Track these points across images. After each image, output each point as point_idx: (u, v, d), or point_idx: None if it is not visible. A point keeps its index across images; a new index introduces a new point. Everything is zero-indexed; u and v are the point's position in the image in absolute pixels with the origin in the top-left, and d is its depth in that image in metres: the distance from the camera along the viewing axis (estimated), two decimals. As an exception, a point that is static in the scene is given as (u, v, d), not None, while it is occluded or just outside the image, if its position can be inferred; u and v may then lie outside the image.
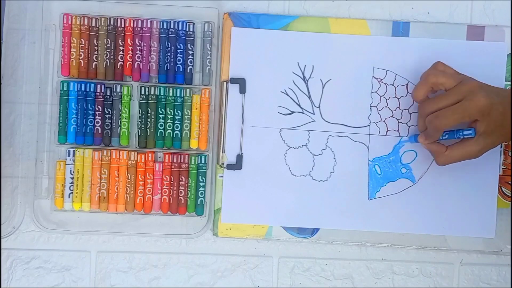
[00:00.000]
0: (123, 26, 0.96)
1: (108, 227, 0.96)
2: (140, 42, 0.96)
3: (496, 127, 0.88)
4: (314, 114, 0.98)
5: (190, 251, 0.98)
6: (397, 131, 0.98)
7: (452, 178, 0.98)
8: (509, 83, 0.98)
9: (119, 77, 0.96)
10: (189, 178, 0.96)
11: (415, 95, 0.92)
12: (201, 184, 0.96)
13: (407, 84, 0.98)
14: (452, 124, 0.88)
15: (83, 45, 0.95)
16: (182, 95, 0.96)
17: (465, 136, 0.90)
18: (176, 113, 0.96)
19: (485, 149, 0.90)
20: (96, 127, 0.96)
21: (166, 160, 0.96)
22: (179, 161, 0.96)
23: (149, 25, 0.96)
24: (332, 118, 0.98)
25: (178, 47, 0.96)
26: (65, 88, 0.95)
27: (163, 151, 0.97)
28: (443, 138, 0.92)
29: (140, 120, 0.96)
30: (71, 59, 0.95)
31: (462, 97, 0.88)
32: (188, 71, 0.96)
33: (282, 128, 0.98)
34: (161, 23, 0.96)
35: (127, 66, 0.96)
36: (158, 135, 0.96)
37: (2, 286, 0.97)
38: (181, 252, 0.98)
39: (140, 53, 0.96)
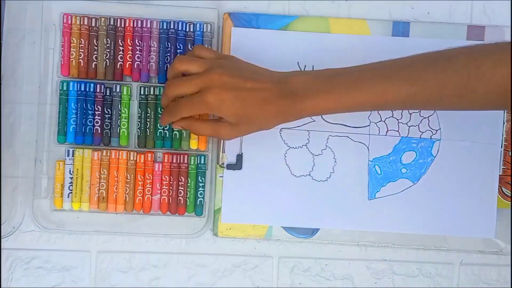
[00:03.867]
0: (123, 26, 0.96)
1: (107, 227, 0.96)
2: (140, 42, 0.96)
3: (237, 118, 0.86)
4: (314, 114, 0.98)
5: (190, 251, 0.98)
6: (397, 131, 0.98)
7: (452, 178, 0.98)
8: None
9: (118, 77, 0.96)
10: (189, 178, 0.96)
11: (168, 74, 0.91)
12: (201, 184, 0.96)
13: (407, 84, 0.98)
14: (186, 115, 0.88)
15: (83, 45, 0.95)
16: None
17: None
18: (176, 113, 0.96)
19: (235, 135, 0.89)
20: (96, 127, 0.96)
21: (166, 160, 0.96)
22: (178, 161, 0.96)
23: (149, 25, 0.96)
24: (332, 118, 0.98)
25: (178, 47, 0.96)
26: (64, 88, 0.95)
27: (163, 151, 0.97)
28: None
29: (139, 120, 0.96)
30: (71, 59, 0.95)
31: (199, 88, 0.86)
32: (188, 71, 0.96)
33: (282, 128, 0.98)
34: (161, 23, 0.96)
35: (127, 66, 0.96)
36: (158, 135, 0.96)
37: (2, 286, 0.97)
38: (181, 252, 0.98)
39: (140, 53, 0.96)
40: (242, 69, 0.88)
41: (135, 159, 0.96)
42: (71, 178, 0.96)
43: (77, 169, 0.96)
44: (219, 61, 0.89)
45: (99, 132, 0.96)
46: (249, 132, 0.89)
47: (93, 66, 0.96)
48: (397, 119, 0.98)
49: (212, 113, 0.87)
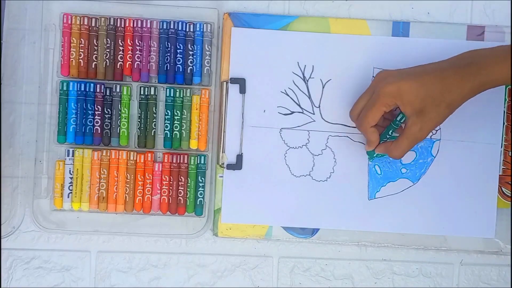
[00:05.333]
0: (123, 26, 0.96)
1: (107, 227, 0.96)
2: (140, 42, 0.96)
3: (420, 101, 0.86)
4: (314, 114, 0.98)
5: (190, 251, 0.98)
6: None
7: (452, 178, 0.98)
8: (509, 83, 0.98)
9: (118, 77, 0.96)
10: (189, 178, 0.96)
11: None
12: (201, 184, 0.96)
13: (407, 84, 0.98)
14: (374, 120, 0.89)
15: (82, 45, 0.95)
16: (182, 96, 0.96)
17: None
18: (176, 114, 0.96)
19: (429, 126, 0.88)
20: (96, 127, 0.96)
21: (166, 160, 0.96)
22: (178, 161, 0.96)
23: (149, 25, 0.96)
24: (332, 118, 0.98)
25: (178, 47, 0.96)
26: (64, 88, 0.95)
27: (163, 151, 0.97)
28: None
29: (139, 120, 0.96)
30: (71, 59, 0.95)
31: (373, 90, 0.89)
32: (188, 71, 0.96)
33: (282, 128, 0.98)
34: (161, 23, 0.96)
35: (127, 66, 0.96)
36: (158, 135, 0.96)
37: (2, 286, 0.97)
38: (181, 252, 0.98)
39: (140, 53, 0.96)
40: (403, 69, 0.90)
41: (135, 159, 0.96)
42: (71, 178, 0.96)
43: (77, 169, 0.96)
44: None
45: (99, 132, 0.96)
46: (439, 118, 0.88)
47: (93, 66, 0.96)
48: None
49: (393, 101, 0.87)
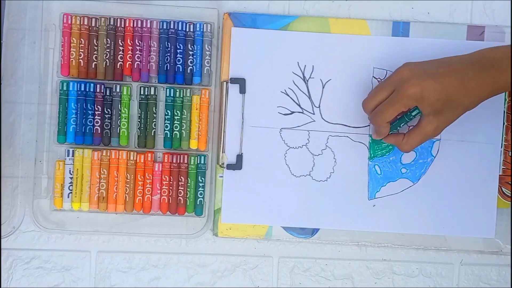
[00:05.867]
0: (123, 26, 0.96)
1: (107, 227, 0.97)
2: (140, 42, 0.96)
3: (443, 102, 0.86)
4: (314, 114, 0.98)
5: (190, 251, 0.98)
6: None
7: (452, 178, 0.98)
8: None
9: (118, 77, 0.96)
10: (189, 178, 0.96)
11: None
12: (201, 184, 0.96)
13: (407, 84, 0.98)
14: (392, 117, 0.89)
15: (82, 45, 0.95)
16: (182, 96, 0.96)
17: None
18: (176, 114, 0.96)
19: (443, 126, 0.89)
20: (96, 127, 0.96)
21: (166, 160, 0.96)
22: (178, 161, 0.96)
23: (149, 25, 0.96)
24: (332, 118, 0.98)
25: (178, 47, 0.96)
26: (64, 88, 0.95)
27: (163, 151, 0.97)
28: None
29: (139, 120, 0.96)
30: (71, 59, 0.95)
31: (393, 87, 0.88)
32: (188, 71, 0.96)
33: (282, 128, 0.98)
34: (161, 23, 0.96)
35: (127, 66, 0.96)
36: (158, 135, 0.96)
37: (2, 286, 0.97)
38: (181, 252, 0.98)
39: (140, 53, 0.96)
40: (426, 62, 0.90)
41: (135, 159, 0.96)
42: (71, 178, 0.96)
43: (77, 169, 0.96)
44: (400, 66, 0.90)
45: (99, 132, 0.96)
46: (454, 118, 0.89)
47: (93, 66, 0.96)
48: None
49: (414, 104, 0.87)
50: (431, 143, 0.98)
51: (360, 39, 0.98)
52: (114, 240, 0.98)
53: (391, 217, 0.98)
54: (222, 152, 0.97)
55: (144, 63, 0.96)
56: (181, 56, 0.96)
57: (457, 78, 0.86)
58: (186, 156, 0.96)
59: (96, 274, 0.98)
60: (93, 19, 0.95)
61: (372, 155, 0.98)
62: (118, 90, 0.96)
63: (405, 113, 0.91)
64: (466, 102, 0.87)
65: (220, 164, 0.97)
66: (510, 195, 0.99)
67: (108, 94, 0.96)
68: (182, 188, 0.96)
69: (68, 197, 0.96)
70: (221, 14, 0.97)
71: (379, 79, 0.98)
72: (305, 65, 0.98)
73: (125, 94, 0.96)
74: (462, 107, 0.88)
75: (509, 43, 0.98)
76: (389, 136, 0.92)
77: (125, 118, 0.96)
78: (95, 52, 0.96)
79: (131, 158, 0.96)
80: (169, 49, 0.96)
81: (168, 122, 0.96)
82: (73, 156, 0.96)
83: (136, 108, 0.96)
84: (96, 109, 0.96)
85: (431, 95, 0.85)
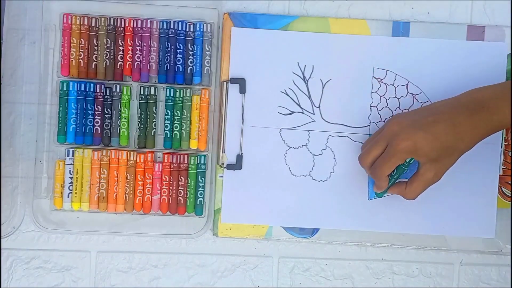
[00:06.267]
0: (123, 26, 0.96)
1: (107, 227, 0.96)
2: (140, 42, 0.96)
3: (439, 149, 0.87)
4: (314, 114, 0.98)
5: (190, 251, 0.98)
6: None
7: (452, 178, 0.98)
8: (509, 83, 0.98)
9: (118, 77, 0.96)
10: (189, 178, 0.96)
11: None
12: (201, 184, 0.96)
13: (407, 84, 0.98)
14: (389, 170, 0.89)
15: (82, 45, 0.95)
16: (182, 96, 0.96)
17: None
18: (176, 114, 0.96)
19: (443, 171, 0.89)
20: (96, 127, 0.96)
21: (166, 160, 0.96)
22: (178, 161, 0.96)
23: (149, 25, 0.96)
24: (332, 118, 0.98)
25: (178, 47, 0.96)
26: (64, 88, 0.95)
27: (163, 151, 0.97)
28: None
29: (139, 120, 0.96)
30: (71, 59, 0.95)
31: (386, 142, 0.88)
32: (188, 71, 0.96)
33: (282, 128, 0.98)
34: (161, 23, 0.96)
35: (127, 66, 0.96)
36: (158, 135, 0.96)
37: (2, 286, 0.97)
38: (181, 252, 0.98)
39: (140, 53, 0.96)
40: (414, 112, 0.90)
41: (135, 159, 0.96)
42: (71, 178, 0.96)
43: (77, 169, 0.96)
44: (391, 119, 0.91)
45: (99, 132, 0.96)
46: (452, 163, 0.89)
47: (93, 66, 0.96)
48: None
49: (410, 157, 0.87)
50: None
51: (360, 39, 0.98)
52: (114, 240, 0.98)
53: (391, 217, 0.98)
54: (222, 152, 0.97)
55: (144, 63, 0.96)
56: (181, 56, 0.96)
57: (448, 124, 0.86)
58: (186, 156, 0.96)
59: (96, 274, 0.98)
60: (93, 19, 0.95)
61: (372, 155, 0.98)
62: (118, 90, 0.96)
63: (402, 163, 0.91)
64: (461, 146, 0.87)
65: (220, 164, 0.97)
66: (510, 195, 0.99)
67: (108, 94, 0.96)
68: (182, 188, 0.96)
69: (68, 197, 0.96)
70: (221, 14, 0.97)
71: (379, 79, 0.98)
72: (305, 65, 0.98)
73: (125, 94, 0.96)
74: (458, 152, 0.88)
75: (508, 43, 0.98)
76: (392, 188, 0.93)
77: (125, 118, 0.96)
78: (95, 52, 0.96)
79: (131, 158, 0.96)
80: (169, 49, 0.96)
81: (168, 122, 0.96)
82: (73, 156, 0.96)
83: (136, 108, 0.96)
84: (96, 109, 0.96)
85: (424, 146, 0.86)
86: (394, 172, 0.91)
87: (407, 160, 0.90)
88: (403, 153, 0.86)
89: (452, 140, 0.86)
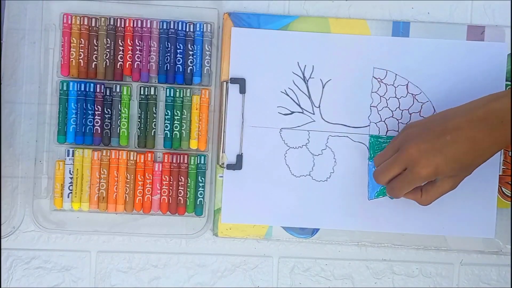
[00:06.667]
0: (123, 26, 0.96)
1: (107, 227, 0.96)
2: (140, 42, 0.96)
3: (456, 171, 0.87)
4: (314, 114, 0.98)
5: (190, 251, 0.98)
6: (397, 131, 0.98)
7: (452, 178, 0.98)
8: (509, 83, 0.98)
9: (118, 77, 0.96)
10: (189, 178, 0.96)
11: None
12: (201, 184, 0.96)
13: (407, 84, 0.98)
14: (407, 191, 0.89)
15: (82, 45, 0.95)
16: (182, 96, 0.96)
17: None
18: (176, 114, 0.96)
19: (458, 182, 0.89)
20: (96, 127, 0.96)
21: (166, 160, 0.96)
22: (178, 161, 0.96)
23: (149, 25, 0.96)
24: (332, 118, 0.98)
25: (178, 47, 0.96)
26: (64, 88, 0.95)
27: (163, 151, 0.97)
28: None
29: (139, 120, 0.96)
30: (71, 59, 0.95)
31: (405, 165, 0.87)
32: (188, 71, 0.96)
33: (282, 128, 0.98)
34: (161, 23, 0.96)
35: (127, 66, 0.96)
36: (158, 135, 0.96)
37: (2, 286, 0.97)
38: (181, 252, 0.98)
39: (139, 53, 0.96)
40: (429, 125, 0.88)
41: (135, 159, 0.96)
42: (71, 178, 0.96)
43: (77, 169, 0.96)
44: (405, 132, 0.89)
45: (99, 132, 0.96)
46: (468, 174, 0.89)
47: (93, 66, 0.96)
48: (397, 119, 0.98)
49: (427, 180, 0.87)
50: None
51: (360, 39, 0.98)
52: (114, 240, 0.98)
53: (391, 217, 0.98)
54: (222, 152, 0.97)
55: (144, 63, 0.96)
56: (181, 56, 0.96)
57: (467, 144, 0.85)
58: (186, 156, 0.96)
59: (96, 274, 0.98)
60: (93, 19, 0.95)
61: (372, 155, 0.98)
62: (118, 90, 0.96)
63: None
64: (480, 161, 0.87)
65: (220, 164, 0.97)
66: (510, 195, 0.99)
67: (108, 94, 0.96)
68: (182, 188, 0.96)
69: (68, 197, 0.96)
70: (221, 14, 0.97)
71: (379, 79, 0.98)
72: (305, 65, 0.98)
73: (125, 94, 0.96)
74: (476, 166, 0.88)
75: (509, 48, 0.98)
76: (407, 195, 0.92)
77: (125, 118, 0.96)
78: (95, 52, 0.96)
79: (131, 158, 0.96)
80: (169, 49, 0.96)
81: (168, 122, 0.96)
82: (73, 156, 0.96)
83: (136, 108, 0.96)
84: (96, 109, 0.96)
85: (445, 170, 0.86)
86: None
87: None
88: (425, 178, 0.86)
89: (471, 158, 0.86)
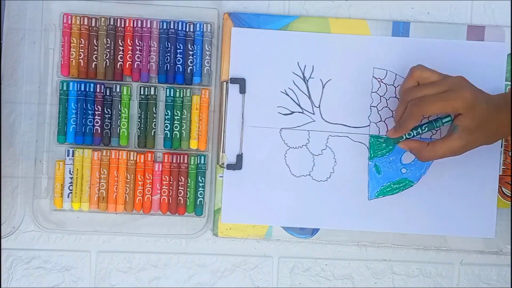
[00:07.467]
0: (123, 26, 0.96)
1: (107, 227, 0.97)
2: (140, 42, 0.96)
3: (480, 123, 0.87)
4: (314, 114, 0.98)
5: (190, 251, 0.98)
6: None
7: (452, 178, 0.98)
8: (509, 83, 0.98)
9: (118, 77, 0.96)
10: (188, 178, 0.96)
11: (401, 88, 0.91)
12: (200, 184, 0.96)
13: (407, 84, 0.98)
14: (434, 112, 0.87)
15: (82, 45, 0.95)
16: (182, 96, 0.96)
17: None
18: (176, 114, 0.96)
19: (468, 147, 0.89)
20: (96, 127, 0.96)
21: (166, 160, 0.96)
22: (178, 161, 0.96)
23: (149, 25, 0.96)
24: (332, 118, 0.98)
25: (178, 47, 0.96)
26: (64, 88, 0.95)
27: (163, 151, 0.97)
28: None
29: (139, 120, 0.96)
30: (71, 59, 0.95)
31: (448, 88, 0.87)
32: (188, 71, 0.96)
33: (282, 128, 0.98)
34: (161, 23, 0.96)
35: (127, 66, 0.96)
36: (158, 135, 0.96)
37: (2, 286, 0.97)
38: (181, 252, 0.98)
39: (139, 53, 0.96)
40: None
41: (135, 159, 0.96)
42: (71, 178, 0.96)
43: (77, 169, 0.96)
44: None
45: (99, 132, 0.96)
46: (476, 145, 0.89)
47: (93, 66, 0.96)
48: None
49: (460, 111, 0.86)
50: (431, 143, 0.98)
51: (360, 39, 0.98)
52: (114, 240, 0.98)
53: (391, 217, 0.98)
54: (222, 152, 0.97)
55: (144, 63, 0.96)
56: (181, 56, 0.96)
57: (495, 103, 0.89)
58: (186, 156, 0.96)
59: (96, 274, 0.98)
60: (93, 19, 0.96)
61: (372, 155, 0.98)
62: (118, 90, 0.96)
63: (435, 120, 0.91)
64: (500, 134, 0.90)
65: (220, 164, 0.97)
66: (510, 195, 0.99)
67: (108, 94, 0.96)
68: (182, 188, 0.96)
69: (68, 197, 0.96)
70: (221, 14, 0.97)
71: (379, 79, 0.98)
72: (305, 65, 0.98)
73: (125, 94, 0.96)
74: (494, 137, 0.90)
75: (509, 48, 0.98)
76: (411, 141, 0.91)
77: (125, 118, 0.96)
78: (95, 52, 0.96)
79: (131, 158, 0.96)
80: (169, 49, 0.96)
81: (168, 122, 0.96)
82: (73, 156, 0.96)
83: (136, 108, 0.96)
84: (96, 109, 0.96)
85: (480, 109, 0.86)
86: (423, 127, 0.91)
87: (444, 120, 0.90)
88: (462, 103, 0.86)
89: (491, 120, 0.88)
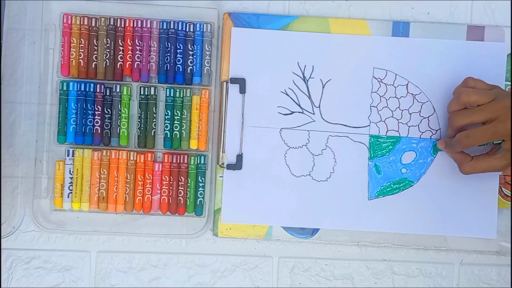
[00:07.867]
0: (123, 26, 0.96)
1: (107, 227, 0.97)
2: (140, 42, 0.96)
3: None
4: (314, 114, 0.98)
5: (190, 251, 0.98)
6: (397, 131, 0.98)
7: (452, 178, 0.98)
8: (509, 83, 0.98)
9: (118, 77, 0.96)
10: (189, 178, 0.96)
11: (448, 110, 0.92)
12: (201, 184, 0.96)
13: (407, 84, 0.98)
14: (480, 144, 0.89)
15: (82, 45, 0.95)
16: (182, 96, 0.96)
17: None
18: (176, 114, 0.96)
19: (509, 165, 0.90)
20: (96, 127, 0.96)
21: (166, 160, 0.96)
22: (178, 161, 0.96)
23: (149, 25, 0.96)
24: (332, 118, 0.98)
25: (178, 47, 0.96)
26: (64, 88, 0.95)
27: (163, 151, 0.97)
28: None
29: (139, 120, 0.96)
30: (71, 59, 0.95)
31: (495, 116, 0.87)
32: (188, 71, 0.96)
33: (282, 128, 0.98)
34: (161, 23, 0.96)
35: (127, 66, 0.96)
36: (158, 135, 0.96)
37: (2, 286, 0.97)
38: (181, 252, 0.98)
39: (140, 53, 0.96)
40: None
41: (135, 159, 0.96)
42: (71, 178, 0.96)
43: (77, 169, 0.96)
44: (501, 90, 0.91)
45: (99, 132, 0.96)
46: None
47: (93, 66, 0.96)
48: (397, 119, 0.98)
49: (506, 138, 0.87)
50: (431, 143, 0.98)
51: (360, 39, 0.98)
52: (114, 240, 0.98)
53: (391, 217, 0.98)
54: (222, 152, 0.97)
55: (144, 63, 0.96)
56: (181, 56, 0.96)
57: None
58: (186, 156, 0.96)
59: (96, 274, 0.98)
60: (93, 19, 0.96)
61: (372, 155, 0.98)
62: (118, 90, 0.96)
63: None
64: None
65: (220, 164, 0.97)
66: (510, 195, 0.99)
67: (108, 94, 0.96)
68: (182, 188, 0.96)
69: (68, 197, 0.96)
70: (221, 14, 0.97)
71: (379, 79, 0.98)
72: (305, 65, 0.98)
73: (125, 94, 0.96)
74: None
75: (509, 48, 0.98)
76: (457, 153, 0.92)
77: (125, 118, 0.96)
78: (95, 52, 0.96)
79: (131, 158, 0.96)
80: (169, 49, 0.96)
81: (168, 122, 0.96)
82: (73, 156, 0.96)
83: (136, 108, 0.96)
84: (96, 109, 0.96)
85: None
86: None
87: (495, 142, 0.90)
88: (506, 134, 0.86)
89: None
